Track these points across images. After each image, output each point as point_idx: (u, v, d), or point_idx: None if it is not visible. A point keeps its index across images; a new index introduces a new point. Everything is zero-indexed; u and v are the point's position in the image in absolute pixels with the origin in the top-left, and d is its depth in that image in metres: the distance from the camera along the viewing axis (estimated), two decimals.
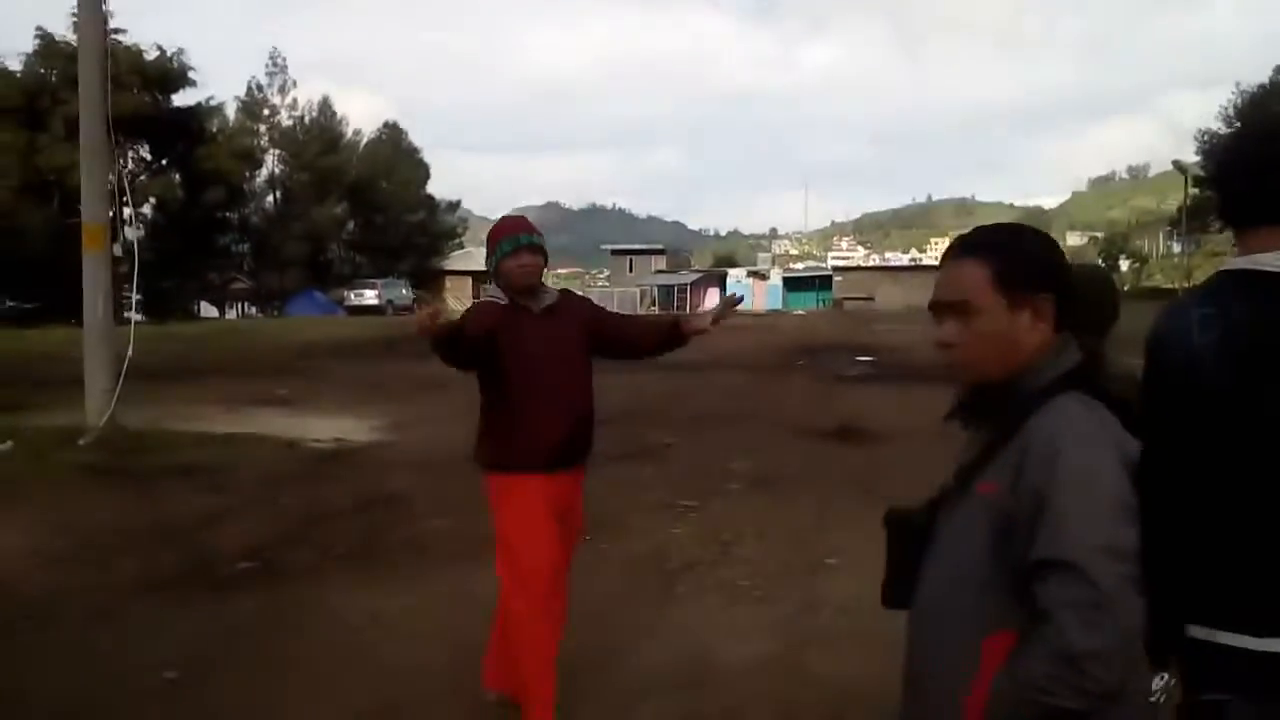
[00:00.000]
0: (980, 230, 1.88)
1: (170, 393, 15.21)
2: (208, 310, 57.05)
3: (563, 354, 3.94)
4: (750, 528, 7.20)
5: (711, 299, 73.89)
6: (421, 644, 5.09)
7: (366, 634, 5.26)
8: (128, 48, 41.53)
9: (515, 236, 3.91)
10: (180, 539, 7.02)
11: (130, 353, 10.78)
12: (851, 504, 7.78)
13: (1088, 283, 2.74)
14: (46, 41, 39.69)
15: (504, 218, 4.09)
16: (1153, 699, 1.75)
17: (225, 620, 5.42)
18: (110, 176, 11.63)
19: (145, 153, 45.91)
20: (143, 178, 45.51)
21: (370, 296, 47.02)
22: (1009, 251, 1.78)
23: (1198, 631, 1.79)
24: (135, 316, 11.52)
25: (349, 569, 6.36)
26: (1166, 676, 1.77)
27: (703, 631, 5.26)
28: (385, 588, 5.97)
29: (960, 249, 1.83)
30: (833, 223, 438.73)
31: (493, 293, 3.96)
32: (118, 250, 10.87)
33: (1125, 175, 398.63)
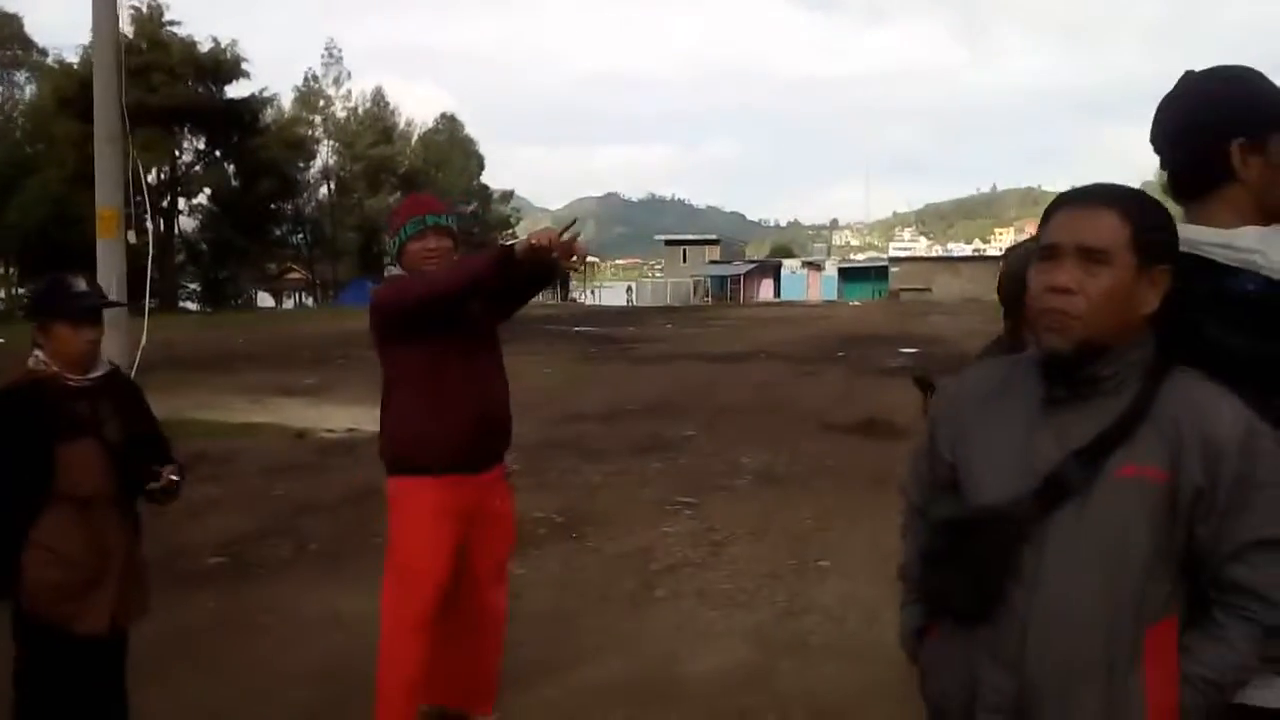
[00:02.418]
0: (1112, 186, 1.73)
1: (200, 380, 15.27)
2: (265, 300, 57.82)
3: (470, 347, 3.54)
4: (746, 527, 6.87)
5: (765, 290, 73.36)
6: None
7: (325, 634, 5.04)
8: (182, 40, 42.03)
9: (421, 218, 3.47)
10: (161, 531, 6.81)
11: (144, 341, 10.69)
12: (859, 502, 7.44)
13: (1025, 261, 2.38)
14: None
15: (410, 195, 3.79)
16: None
17: (183, 618, 5.21)
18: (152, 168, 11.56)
19: (200, 143, 46.46)
20: (197, 168, 46.09)
21: None
22: (1149, 215, 1.67)
23: None
24: (149, 305, 11.37)
25: (321, 565, 6.17)
26: None
27: (672, 639, 4.96)
28: (355, 586, 5.72)
29: (1096, 198, 1.69)
30: (895, 213, 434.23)
31: (397, 276, 3.63)
32: (131, 237, 10.75)
33: None
